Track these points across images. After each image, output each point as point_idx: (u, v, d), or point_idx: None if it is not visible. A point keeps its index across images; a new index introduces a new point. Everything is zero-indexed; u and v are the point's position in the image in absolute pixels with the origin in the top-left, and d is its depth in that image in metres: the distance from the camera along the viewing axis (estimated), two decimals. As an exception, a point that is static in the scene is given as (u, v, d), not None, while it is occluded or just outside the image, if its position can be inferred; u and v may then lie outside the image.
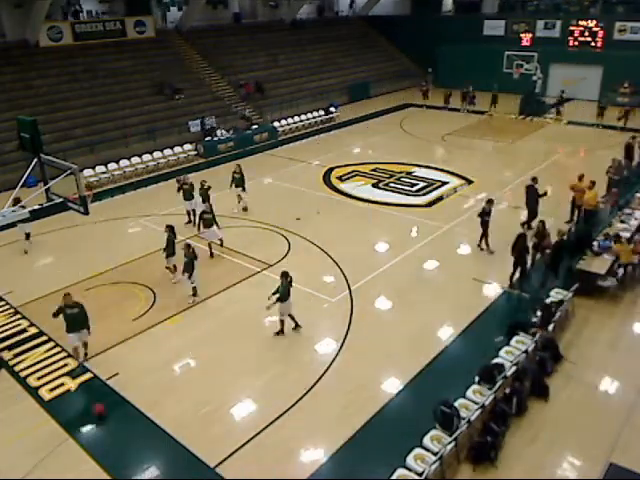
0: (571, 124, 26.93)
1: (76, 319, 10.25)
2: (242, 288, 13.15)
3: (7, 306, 12.65)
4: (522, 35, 35.57)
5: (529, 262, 12.79)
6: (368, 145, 25.38)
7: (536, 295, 11.93)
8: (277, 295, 10.72)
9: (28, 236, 15.25)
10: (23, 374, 10.33)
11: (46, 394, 9.81)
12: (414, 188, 19.26)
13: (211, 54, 31.73)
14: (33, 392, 9.86)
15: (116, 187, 20.98)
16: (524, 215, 15.42)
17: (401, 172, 20.88)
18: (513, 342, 10.09)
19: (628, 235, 13.06)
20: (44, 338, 11.37)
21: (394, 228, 16.16)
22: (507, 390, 8.90)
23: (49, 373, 10.33)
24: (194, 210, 16.43)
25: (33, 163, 11.32)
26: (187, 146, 24.39)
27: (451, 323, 11.48)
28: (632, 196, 15.68)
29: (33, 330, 11.67)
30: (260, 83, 30.97)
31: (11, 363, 10.65)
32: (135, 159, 22.68)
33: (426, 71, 36.67)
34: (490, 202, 14.19)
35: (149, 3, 31.34)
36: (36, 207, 11.20)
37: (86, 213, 11.38)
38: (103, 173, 21.50)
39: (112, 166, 21.91)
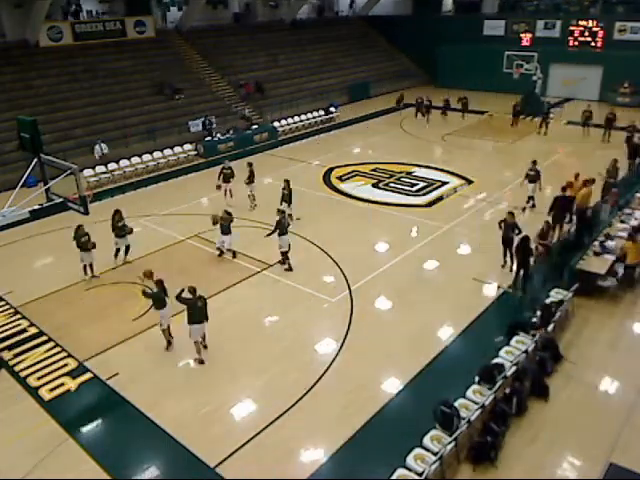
0: (571, 124, 26.91)
1: (202, 310, 10.27)
2: (242, 288, 13.15)
3: (7, 306, 12.64)
4: (522, 35, 35.56)
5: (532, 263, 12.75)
6: (368, 145, 25.38)
7: (536, 295, 11.93)
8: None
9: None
10: (23, 374, 10.33)
11: (46, 394, 9.80)
12: (414, 188, 19.26)
13: (211, 54, 31.74)
14: (33, 392, 9.86)
15: (116, 187, 20.98)
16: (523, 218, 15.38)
17: (401, 172, 20.88)
18: (513, 342, 10.08)
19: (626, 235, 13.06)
20: (44, 338, 11.37)
21: (394, 228, 16.16)
22: (507, 390, 8.90)
23: (49, 373, 10.33)
24: (231, 190, 17.84)
25: (33, 163, 11.34)
26: (187, 146, 24.38)
27: (451, 323, 11.47)
28: (632, 196, 15.68)
29: (33, 330, 11.67)
30: (260, 83, 30.98)
31: (11, 363, 10.64)
32: (135, 159, 22.67)
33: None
34: (511, 215, 13.03)
35: (149, 3, 31.35)
36: (36, 207, 11.21)
37: (86, 213, 11.41)
38: (103, 173, 21.50)
39: (112, 166, 21.91)
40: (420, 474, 7.33)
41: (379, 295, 12.61)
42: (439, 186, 19.26)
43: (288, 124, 28.45)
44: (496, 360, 9.53)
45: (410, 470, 7.49)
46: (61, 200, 11.42)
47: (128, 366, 10.48)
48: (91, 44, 27.95)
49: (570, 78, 32.65)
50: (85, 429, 9.13)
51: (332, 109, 30.49)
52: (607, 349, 10.54)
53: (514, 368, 9.14)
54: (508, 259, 13.25)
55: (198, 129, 25.74)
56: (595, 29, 32.91)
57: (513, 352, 9.75)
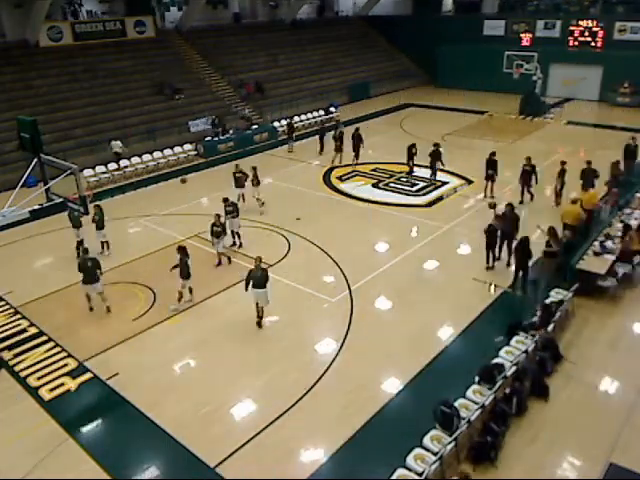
0: (571, 124, 26.92)
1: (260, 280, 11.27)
2: (242, 288, 13.09)
3: (7, 306, 12.65)
4: (522, 35, 35.58)
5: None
6: (368, 145, 25.30)
7: (536, 295, 11.93)
8: None
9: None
10: (23, 374, 10.33)
11: (46, 394, 9.80)
12: (414, 188, 19.27)
13: (211, 54, 31.74)
14: (33, 392, 9.86)
15: (116, 187, 20.99)
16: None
17: (401, 172, 20.88)
18: (513, 342, 10.08)
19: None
20: (44, 338, 11.37)
21: (394, 228, 16.16)
22: (507, 390, 8.90)
23: (49, 373, 10.33)
24: (243, 195, 17.41)
25: (33, 163, 11.33)
26: (187, 146, 24.38)
27: (451, 323, 11.47)
28: (632, 196, 15.67)
29: (33, 330, 11.67)
30: (260, 83, 30.98)
31: (11, 363, 10.65)
32: (135, 159, 22.68)
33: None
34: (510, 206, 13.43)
35: (149, 3, 31.35)
36: (36, 207, 11.20)
37: (86, 213, 11.41)
38: (103, 173, 21.50)
39: (112, 166, 21.91)
40: (420, 474, 7.33)
41: (379, 295, 12.61)
42: (439, 186, 19.26)
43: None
44: (496, 360, 9.54)
45: (410, 470, 7.49)
46: (61, 200, 11.41)
47: (128, 366, 10.48)
48: (91, 44, 27.96)
49: (570, 78, 32.65)
50: (85, 429, 9.13)
51: (332, 109, 30.48)
52: (607, 349, 10.53)
53: (514, 368, 9.14)
54: (505, 256, 13.41)
55: (199, 128, 25.71)
56: (595, 29, 32.91)
57: (513, 352, 9.76)
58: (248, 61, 32.89)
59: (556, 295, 11.36)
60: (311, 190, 19.27)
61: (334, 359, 10.44)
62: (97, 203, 15.13)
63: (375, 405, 9.22)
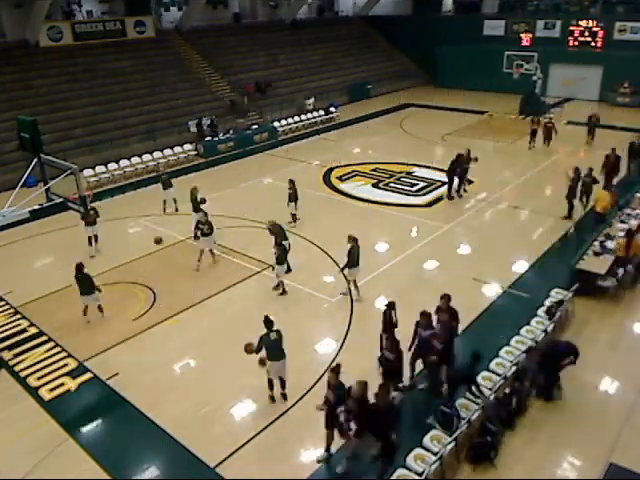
0: (571, 124, 26.91)
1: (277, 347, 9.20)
2: (242, 288, 13.14)
3: (7, 306, 12.65)
4: (522, 35, 35.57)
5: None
6: (368, 145, 25.37)
7: (536, 295, 11.92)
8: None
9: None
10: (23, 374, 10.33)
11: (46, 394, 9.80)
12: (414, 188, 19.27)
13: (211, 54, 31.74)
14: (33, 392, 9.86)
15: (116, 187, 20.99)
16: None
17: (401, 172, 20.88)
18: (513, 342, 10.08)
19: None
20: (44, 338, 11.37)
21: (394, 228, 16.16)
22: (507, 390, 8.90)
23: (49, 373, 10.33)
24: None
25: (33, 163, 11.35)
26: (187, 146, 24.39)
27: (451, 323, 11.45)
28: (632, 196, 15.67)
29: (33, 330, 11.67)
30: (260, 83, 30.98)
31: (11, 363, 10.65)
32: (135, 159, 22.68)
33: None
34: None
35: (149, 3, 31.34)
36: (36, 207, 11.21)
37: (86, 213, 11.42)
38: (103, 173, 21.50)
39: (112, 166, 21.91)
40: (420, 474, 7.33)
41: (379, 295, 12.60)
42: (439, 186, 19.25)
43: (288, 124, 28.46)
44: (496, 360, 9.54)
45: (410, 470, 7.49)
46: (61, 200, 11.42)
47: (128, 366, 10.48)
48: (91, 44, 27.96)
49: (570, 78, 32.65)
50: (85, 429, 9.13)
51: (332, 109, 30.49)
52: (607, 349, 10.54)
53: (514, 368, 9.14)
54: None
55: (194, 129, 25.77)
56: (595, 29, 32.90)
57: (513, 352, 9.75)
58: (248, 61, 32.89)
59: (556, 295, 11.36)
60: (311, 190, 19.26)
61: (334, 359, 10.43)
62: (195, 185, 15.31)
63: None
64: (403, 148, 24.47)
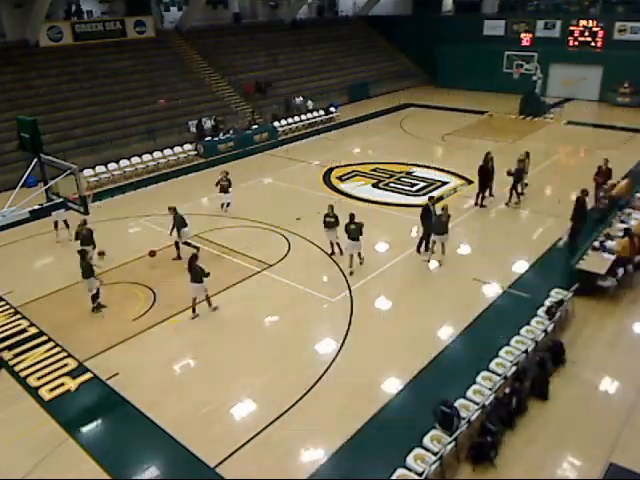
0: (571, 124, 26.93)
1: (355, 231, 13.00)
2: (242, 288, 13.14)
3: (7, 306, 12.64)
4: (522, 35, 35.58)
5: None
6: (368, 145, 25.37)
7: (536, 295, 11.92)
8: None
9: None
10: (23, 374, 10.33)
11: (46, 394, 9.80)
12: (414, 188, 19.26)
13: (211, 54, 31.75)
14: (33, 392, 9.86)
15: (116, 187, 20.99)
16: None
17: (401, 172, 20.88)
18: (513, 342, 10.08)
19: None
20: (44, 338, 11.37)
21: (394, 228, 16.15)
22: (507, 390, 8.90)
23: (49, 373, 10.33)
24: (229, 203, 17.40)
25: (33, 163, 11.33)
26: (187, 146, 24.39)
27: (451, 323, 11.47)
28: (632, 196, 15.66)
29: (33, 330, 11.67)
30: (260, 83, 30.98)
31: (11, 363, 10.65)
32: (135, 159, 22.67)
33: None
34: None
35: (149, 3, 31.35)
36: (36, 207, 11.20)
37: (86, 213, 11.40)
38: (103, 173, 21.50)
39: (112, 166, 21.91)
40: (420, 474, 7.33)
41: (379, 295, 12.60)
42: (439, 186, 19.26)
43: (288, 124, 28.45)
44: (496, 360, 9.54)
45: (410, 470, 7.49)
46: (61, 200, 11.41)
47: (128, 366, 10.48)
48: (91, 44, 27.97)
49: (570, 78, 32.66)
50: (85, 429, 9.13)
51: (332, 109, 30.48)
52: (607, 349, 10.54)
53: (514, 368, 9.14)
54: None
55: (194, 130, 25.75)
56: (595, 29, 32.91)
57: (513, 352, 9.75)
58: (248, 61, 32.90)
59: (556, 295, 11.36)
60: (311, 190, 19.27)
61: (334, 359, 10.44)
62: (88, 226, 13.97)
63: (375, 405, 9.21)
64: (403, 148, 24.47)
